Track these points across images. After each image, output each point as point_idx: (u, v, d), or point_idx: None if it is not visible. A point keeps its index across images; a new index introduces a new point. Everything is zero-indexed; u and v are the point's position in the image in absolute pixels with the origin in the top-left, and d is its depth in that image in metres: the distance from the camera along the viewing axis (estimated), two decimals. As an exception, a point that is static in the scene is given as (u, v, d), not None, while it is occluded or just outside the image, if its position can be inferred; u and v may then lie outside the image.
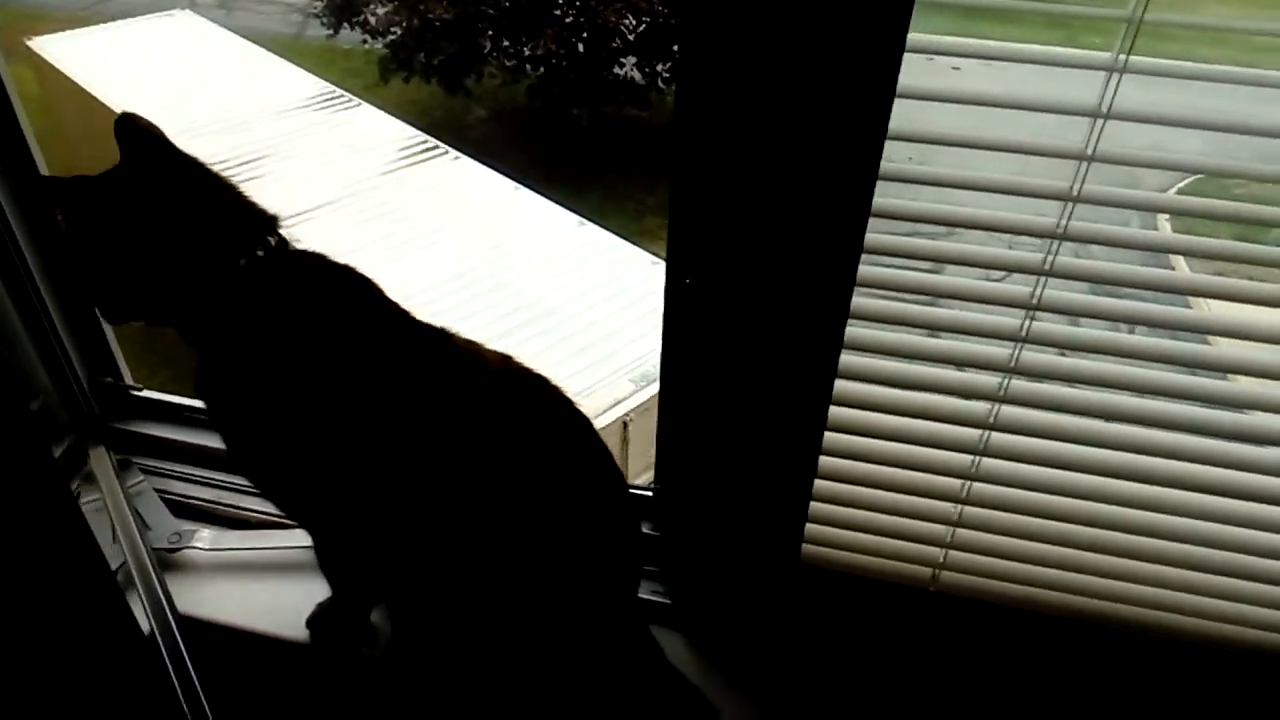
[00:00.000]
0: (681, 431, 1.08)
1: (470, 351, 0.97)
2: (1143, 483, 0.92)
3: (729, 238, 0.89)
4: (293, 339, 0.92)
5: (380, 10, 8.75)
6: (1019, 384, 0.92)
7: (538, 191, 5.90)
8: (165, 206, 0.95)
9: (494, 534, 0.92)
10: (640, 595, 1.19)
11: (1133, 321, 0.86)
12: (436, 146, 6.33)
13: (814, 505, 1.05)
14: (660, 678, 1.09)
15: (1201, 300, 0.96)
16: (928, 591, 1.08)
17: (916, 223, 0.87)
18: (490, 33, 8.59)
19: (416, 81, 8.93)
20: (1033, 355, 0.90)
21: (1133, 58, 0.73)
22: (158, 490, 1.30)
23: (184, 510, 1.30)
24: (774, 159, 0.83)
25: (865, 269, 0.88)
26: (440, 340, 0.96)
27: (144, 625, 1.08)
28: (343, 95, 6.90)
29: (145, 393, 1.38)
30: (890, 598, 1.09)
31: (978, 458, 0.97)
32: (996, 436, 0.95)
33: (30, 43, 6.68)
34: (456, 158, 6.27)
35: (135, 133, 0.96)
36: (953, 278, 0.90)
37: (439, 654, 1.07)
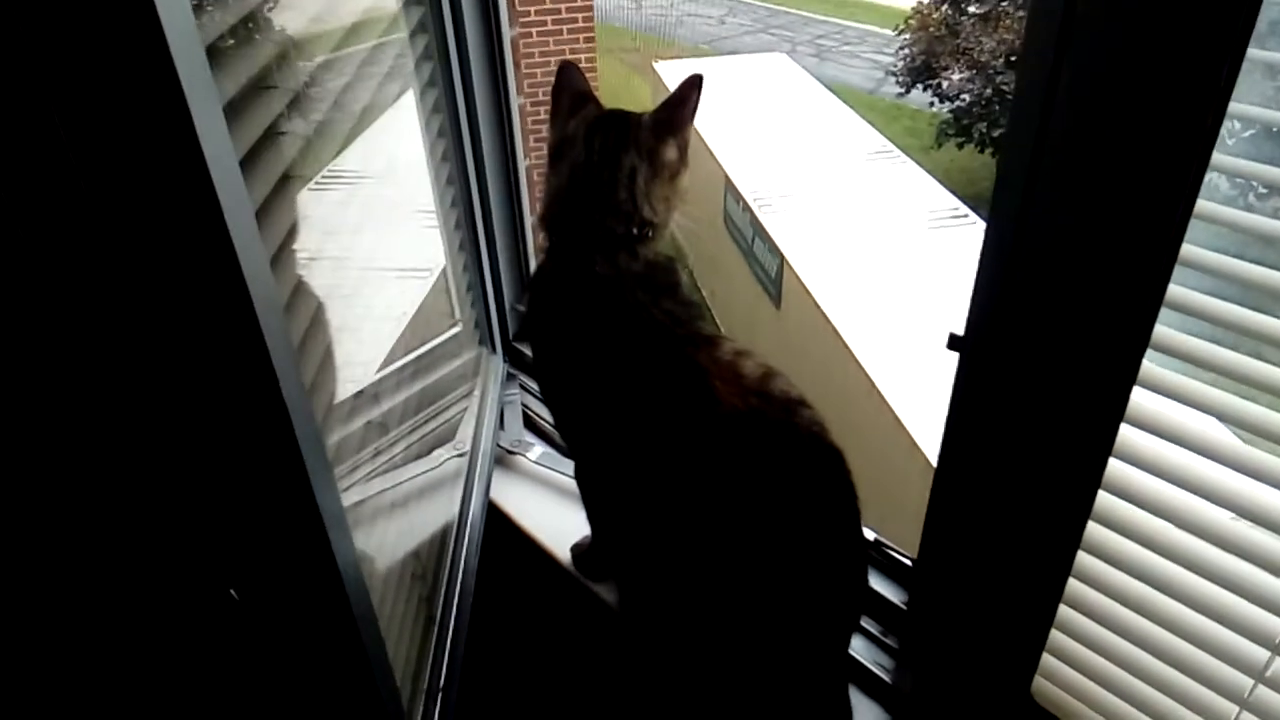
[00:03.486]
0: (947, 513, 1.01)
1: (730, 362, 0.98)
2: None
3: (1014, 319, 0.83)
4: (582, 303, 1.05)
5: (955, 76, 8.82)
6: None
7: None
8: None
9: (708, 543, 0.95)
10: (858, 658, 1.13)
11: None
12: (966, 215, 6.19)
13: (1054, 634, 0.91)
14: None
15: None
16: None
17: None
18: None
19: (969, 150, 8.85)
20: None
21: None
22: (524, 405, 1.57)
23: (533, 425, 1.55)
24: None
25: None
26: (708, 344, 1.00)
27: (457, 495, 1.33)
28: (894, 153, 7.08)
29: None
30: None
31: (1274, 655, 0.76)
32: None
33: (655, 64, 8.05)
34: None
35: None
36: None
37: (646, 627, 1.13)
